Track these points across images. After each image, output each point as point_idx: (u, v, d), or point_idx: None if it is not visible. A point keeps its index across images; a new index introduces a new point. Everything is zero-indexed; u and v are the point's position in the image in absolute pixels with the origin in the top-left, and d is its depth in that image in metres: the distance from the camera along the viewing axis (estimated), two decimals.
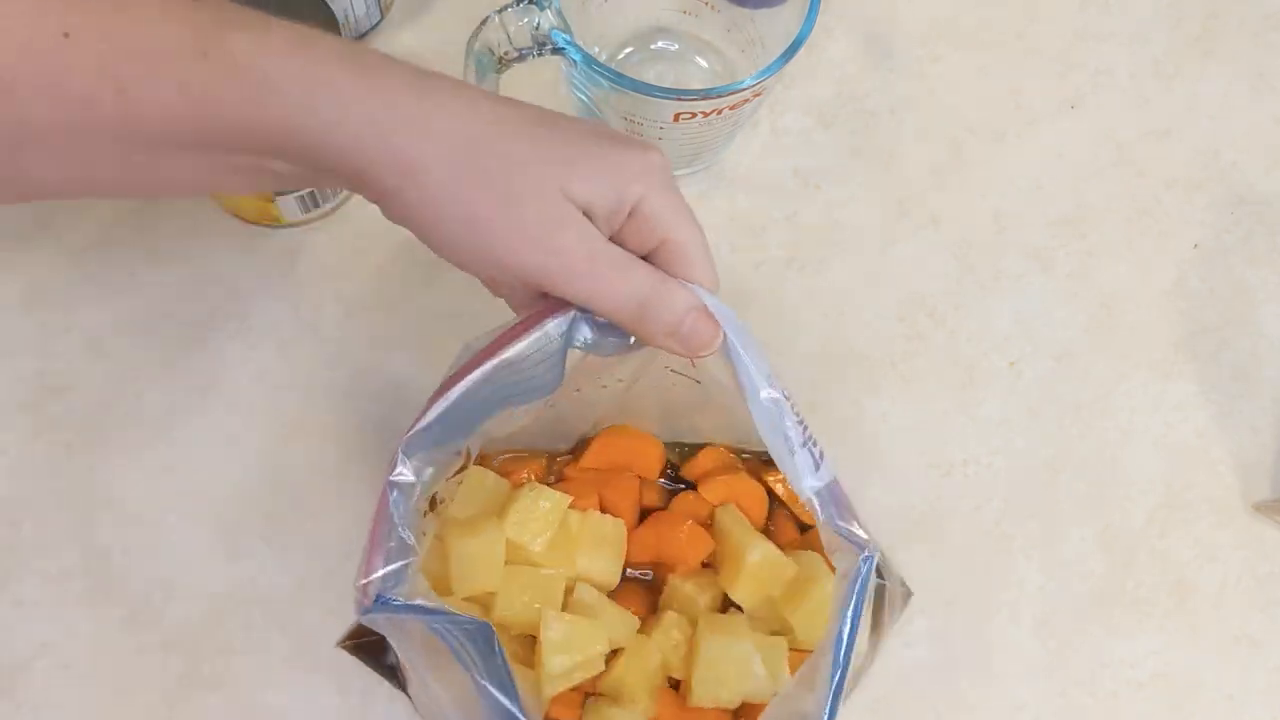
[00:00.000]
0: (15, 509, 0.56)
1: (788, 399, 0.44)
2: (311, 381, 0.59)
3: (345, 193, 0.61)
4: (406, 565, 0.42)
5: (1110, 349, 0.63)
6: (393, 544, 0.42)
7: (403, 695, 0.54)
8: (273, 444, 0.58)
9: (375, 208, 0.63)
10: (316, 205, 0.60)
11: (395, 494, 0.42)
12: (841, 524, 0.43)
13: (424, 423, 0.43)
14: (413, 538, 0.42)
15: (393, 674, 0.54)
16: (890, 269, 0.63)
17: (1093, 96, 0.68)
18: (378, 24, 0.66)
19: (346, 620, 0.55)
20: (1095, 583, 0.59)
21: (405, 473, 0.42)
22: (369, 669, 0.54)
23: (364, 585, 0.41)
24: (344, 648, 0.54)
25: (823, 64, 0.67)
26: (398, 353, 0.60)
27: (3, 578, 0.55)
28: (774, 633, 0.51)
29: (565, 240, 0.41)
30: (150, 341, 0.59)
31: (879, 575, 0.52)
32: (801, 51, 0.54)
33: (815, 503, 0.43)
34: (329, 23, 0.56)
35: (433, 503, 0.49)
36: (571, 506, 0.51)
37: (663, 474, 0.56)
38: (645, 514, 0.54)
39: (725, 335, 0.44)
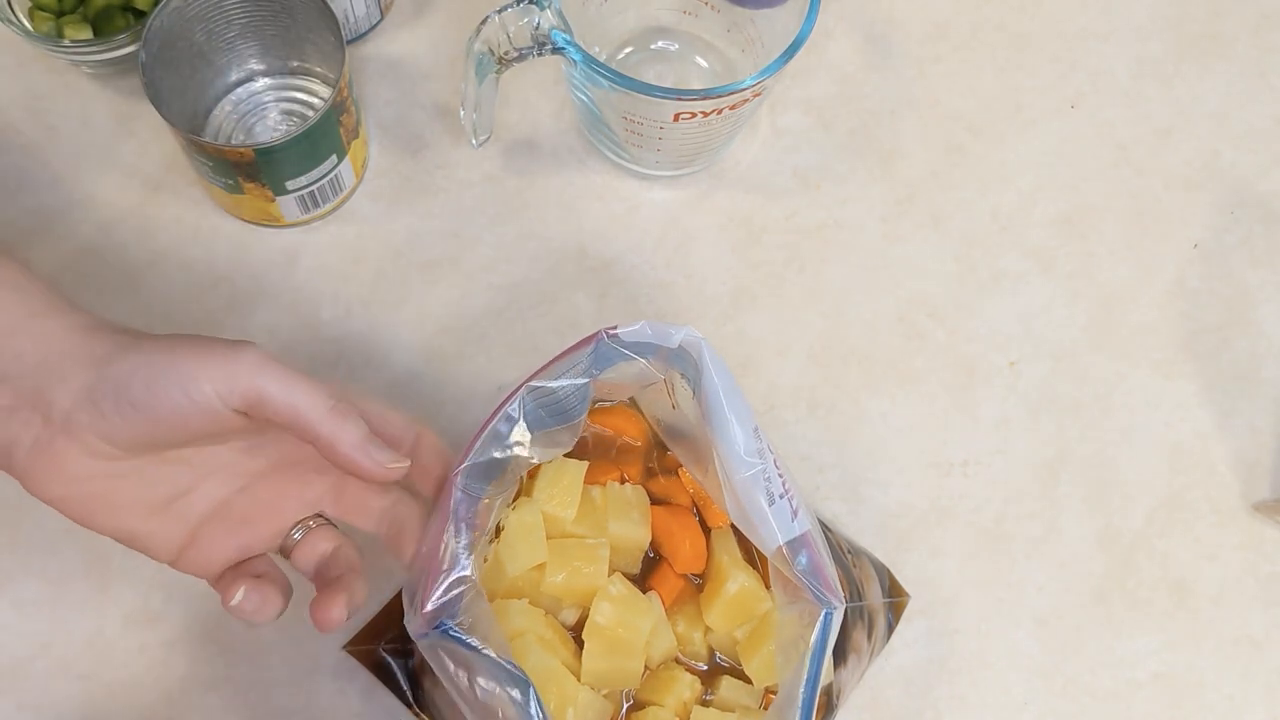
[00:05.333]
0: (16, 509, 0.56)
1: (771, 452, 0.45)
2: None
3: (345, 192, 0.61)
4: (462, 593, 0.43)
5: (1110, 349, 0.63)
6: (451, 573, 0.43)
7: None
8: None
9: (374, 208, 0.63)
10: (316, 205, 0.60)
11: (453, 524, 0.43)
12: (810, 577, 0.44)
13: (475, 455, 0.44)
14: (470, 565, 0.43)
15: (389, 677, 0.54)
16: (890, 269, 0.63)
17: (1093, 96, 0.68)
18: (378, 24, 0.66)
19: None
20: (1095, 583, 0.59)
21: (463, 503, 0.44)
22: (368, 669, 0.54)
23: (425, 614, 0.43)
24: (349, 652, 0.55)
25: (823, 64, 0.67)
26: (398, 353, 0.60)
27: (3, 578, 0.56)
28: (732, 663, 0.53)
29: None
30: None
31: (857, 597, 0.53)
32: (801, 51, 0.54)
33: (785, 554, 0.45)
34: (329, 22, 0.56)
35: (498, 530, 0.50)
36: (592, 482, 0.52)
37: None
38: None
39: (708, 391, 0.45)
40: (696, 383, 0.46)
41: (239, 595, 0.45)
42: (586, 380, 0.47)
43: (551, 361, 0.46)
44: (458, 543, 0.43)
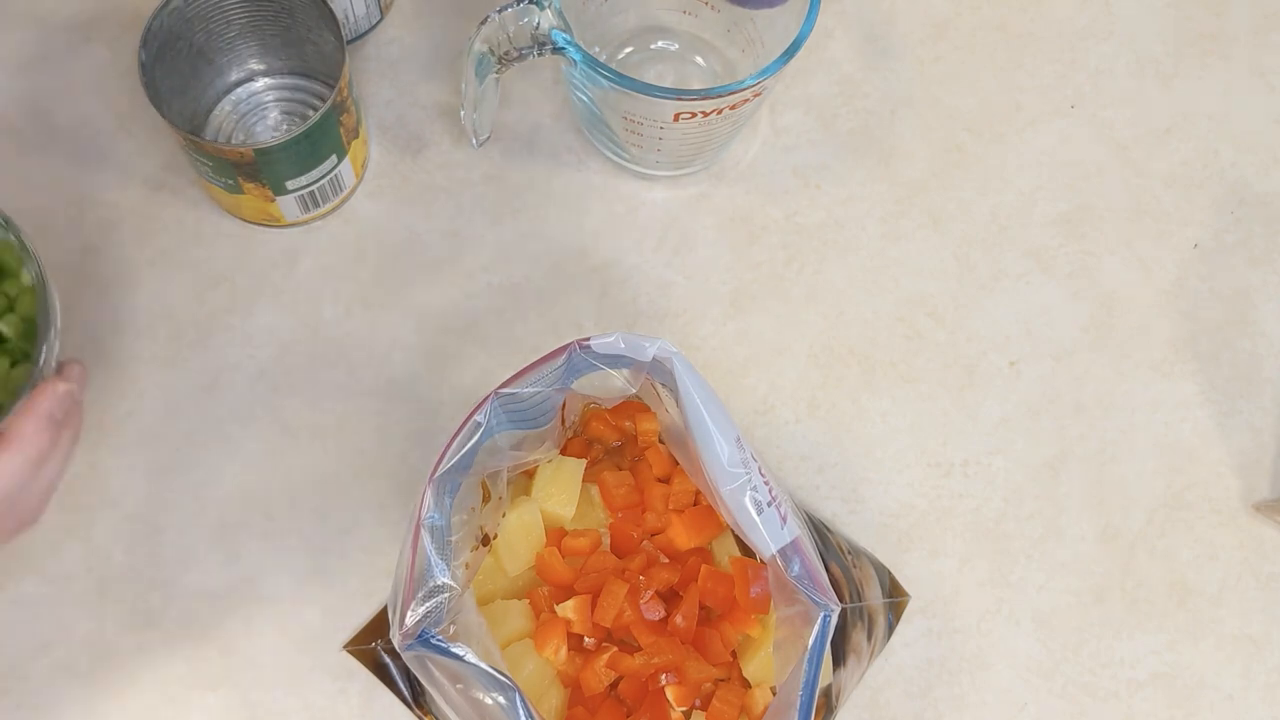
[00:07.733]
0: None
1: (755, 461, 0.45)
2: (311, 381, 0.59)
3: (345, 192, 0.61)
4: (443, 601, 0.43)
5: (1110, 349, 0.63)
6: (428, 582, 0.43)
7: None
8: (272, 444, 0.58)
9: (375, 208, 0.63)
10: (316, 205, 0.60)
11: (426, 533, 0.43)
12: (805, 582, 0.44)
13: (450, 462, 0.44)
14: (448, 573, 0.43)
15: (389, 677, 0.54)
16: (890, 269, 0.63)
17: (1093, 96, 0.68)
18: (378, 24, 0.66)
19: (347, 620, 0.56)
20: (1095, 582, 0.59)
21: (435, 513, 0.43)
22: (368, 669, 0.54)
23: (406, 629, 0.42)
24: (349, 652, 0.55)
25: (823, 64, 0.67)
26: (397, 353, 0.60)
27: (3, 578, 0.56)
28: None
29: None
30: (150, 341, 0.59)
31: (857, 597, 0.53)
32: (801, 51, 0.54)
33: (779, 562, 0.45)
34: (329, 23, 0.56)
35: (486, 539, 0.50)
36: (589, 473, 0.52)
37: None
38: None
39: (687, 405, 0.45)
40: (675, 394, 0.46)
41: None
42: (554, 389, 0.47)
43: (524, 371, 0.46)
44: (431, 551, 0.43)
